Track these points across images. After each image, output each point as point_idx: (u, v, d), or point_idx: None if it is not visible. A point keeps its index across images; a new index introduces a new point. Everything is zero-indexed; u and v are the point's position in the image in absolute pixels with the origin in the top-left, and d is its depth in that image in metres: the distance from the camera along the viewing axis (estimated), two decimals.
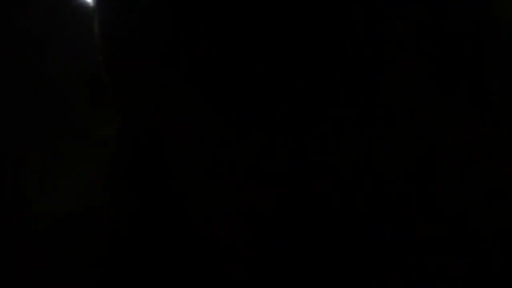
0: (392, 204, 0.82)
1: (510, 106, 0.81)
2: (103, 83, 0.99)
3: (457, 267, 0.81)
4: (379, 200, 0.83)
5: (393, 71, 0.81)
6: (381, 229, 0.82)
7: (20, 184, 1.12)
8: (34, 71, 1.20)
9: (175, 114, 0.89)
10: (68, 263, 1.00)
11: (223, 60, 0.84)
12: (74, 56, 1.15)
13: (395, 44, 0.81)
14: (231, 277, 0.86)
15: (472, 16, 0.79)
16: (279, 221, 0.84)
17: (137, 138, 0.94)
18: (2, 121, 1.21)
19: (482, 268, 0.80)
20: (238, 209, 0.85)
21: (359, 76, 0.82)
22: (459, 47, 0.80)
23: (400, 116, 0.82)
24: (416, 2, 0.79)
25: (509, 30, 0.80)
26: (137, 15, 0.90)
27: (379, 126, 0.82)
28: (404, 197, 0.82)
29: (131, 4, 0.90)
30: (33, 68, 1.20)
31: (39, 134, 1.16)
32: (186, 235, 0.89)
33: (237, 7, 0.82)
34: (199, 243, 0.88)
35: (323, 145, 0.83)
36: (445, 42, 0.80)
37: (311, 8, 0.80)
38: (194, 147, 0.88)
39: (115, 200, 0.96)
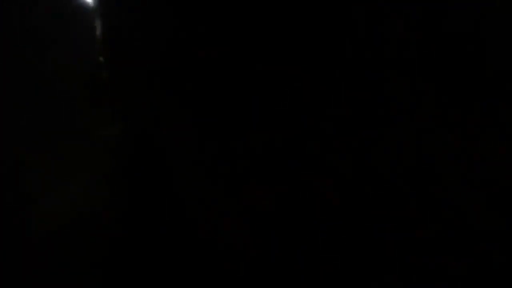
0: (392, 204, 0.82)
1: (509, 105, 0.81)
2: (103, 83, 0.99)
3: (457, 267, 0.80)
4: (379, 199, 0.82)
5: (393, 71, 0.81)
6: (381, 229, 0.82)
7: (20, 184, 1.11)
8: (34, 71, 1.20)
9: (175, 114, 0.88)
10: (69, 263, 1.00)
11: (223, 60, 0.84)
12: (74, 56, 1.15)
13: (395, 44, 0.81)
14: (231, 276, 0.86)
15: (471, 16, 0.79)
16: (279, 221, 0.84)
17: (137, 138, 0.94)
18: (2, 121, 1.21)
19: (481, 268, 0.80)
20: (238, 209, 0.85)
21: (359, 76, 0.82)
22: (458, 47, 0.80)
23: (400, 116, 0.82)
24: (416, 3, 0.79)
25: (509, 30, 0.80)
26: (137, 16, 0.90)
27: (379, 126, 0.82)
28: (404, 197, 0.82)
29: (132, 6, 0.90)
30: (33, 68, 1.20)
31: (39, 134, 1.16)
32: (186, 234, 0.89)
33: (237, 8, 0.82)
34: (199, 242, 0.88)
35: (323, 145, 0.83)
36: (444, 42, 0.80)
37: (311, 8, 0.80)
38: (193, 147, 0.88)
39: (115, 200, 0.96)
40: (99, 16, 0.95)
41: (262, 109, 0.84)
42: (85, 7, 1.16)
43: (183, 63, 0.88)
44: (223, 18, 0.84)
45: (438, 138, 0.82)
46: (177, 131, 0.88)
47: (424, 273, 0.82)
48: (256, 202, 0.85)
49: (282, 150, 0.84)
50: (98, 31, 0.99)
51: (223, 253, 0.87)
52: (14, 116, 1.19)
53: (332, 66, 0.82)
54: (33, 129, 1.18)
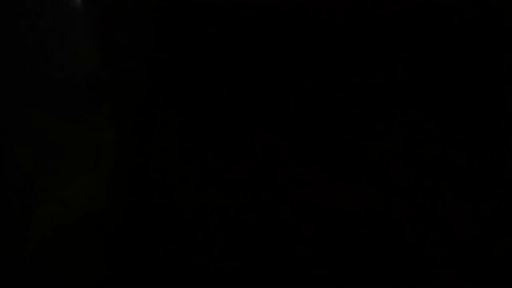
0: (392, 204, 0.82)
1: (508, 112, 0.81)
2: (103, 84, 0.99)
3: (455, 270, 0.81)
4: (379, 200, 0.83)
5: (390, 72, 0.81)
6: (381, 229, 0.82)
7: (19, 184, 1.12)
8: (34, 72, 1.20)
9: (173, 115, 0.89)
10: (69, 266, 1.00)
11: (218, 61, 0.84)
12: (74, 56, 1.15)
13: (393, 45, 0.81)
14: (224, 280, 0.86)
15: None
16: (277, 225, 0.84)
17: (134, 139, 0.94)
18: (2, 122, 1.21)
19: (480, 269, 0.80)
20: (234, 214, 0.85)
21: (357, 78, 0.82)
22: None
23: (399, 118, 0.82)
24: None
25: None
26: (138, 18, 0.90)
27: (378, 129, 0.82)
28: (404, 198, 0.82)
29: (132, 8, 0.91)
30: (34, 69, 1.20)
31: (38, 134, 1.16)
32: (182, 238, 0.89)
33: (236, 15, 0.82)
34: (196, 246, 0.88)
35: (320, 152, 0.83)
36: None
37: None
38: (191, 150, 0.88)
39: (114, 203, 0.96)
40: (99, 16, 0.95)
41: (257, 114, 0.85)
42: (85, 7, 1.16)
43: (177, 66, 0.88)
44: (220, 20, 0.84)
45: (438, 141, 0.82)
46: (175, 132, 0.89)
47: (423, 273, 0.82)
48: (252, 207, 0.85)
49: (279, 157, 0.84)
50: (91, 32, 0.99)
51: (217, 255, 0.87)
52: (13, 116, 1.20)
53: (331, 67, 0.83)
54: (33, 129, 1.19)
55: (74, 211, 1.04)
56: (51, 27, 1.21)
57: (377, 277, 0.82)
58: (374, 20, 0.80)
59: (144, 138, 0.92)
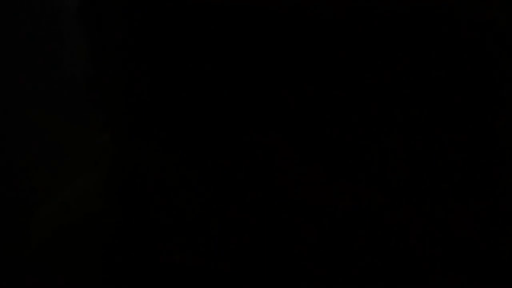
0: (392, 204, 0.82)
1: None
2: (103, 85, 0.99)
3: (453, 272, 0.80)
4: (379, 201, 0.82)
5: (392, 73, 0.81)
6: (381, 230, 0.82)
7: (18, 184, 1.12)
8: (34, 72, 1.21)
9: (171, 117, 0.89)
10: (68, 266, 1.00)
11: (217, 63, 0.84)
12: (74, 57, 1.15)
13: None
14: (224, 280, 0.86)
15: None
16: (277, 225, 0.84)
17: (132, 141, 0.94)
18: (2, 122, 1.21)
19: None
20: (234, 210, 0.85)
21: (358, 80, 0.82)
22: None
23: (398, 119, 0.82)
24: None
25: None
26: (138, 18, 0.90)
27: (378, 133, 0.82)
28: (404, 198, 0.82)
29: (131, 9, 0.91)
30: (33, 69, 1.21)
31: (38, 134, 1.16)
32: (182, 239, 0.89)
33: (237, 19, 0.82)
34: (195, 246, 0.88)
35: (320, 152, 0.83)
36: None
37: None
38: (191, 150, 0.88)
39: (111, 204, 0.96)
40: (98, 18, 0.95)
41: (256, 116, 0.85)
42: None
43: (181, 67, 0.88)
44: (221, 22, 0.84)
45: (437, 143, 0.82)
46: (173, 134, 0.89)
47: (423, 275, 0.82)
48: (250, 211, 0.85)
49: (280, 157, 0.84)
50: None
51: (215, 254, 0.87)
52: (13, 116, 1.20)
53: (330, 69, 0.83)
54: (32, 129, 1.19)
55: (73, 211, 1.04)
56: (51, 28, 1.21)
57: (377, 277, 0.82)
58: (373, 20, 0.80)
59: (144, 138, 0.92)
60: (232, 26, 0.83)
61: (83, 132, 1.10)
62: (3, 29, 1.27)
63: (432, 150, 0.81)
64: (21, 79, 1.24)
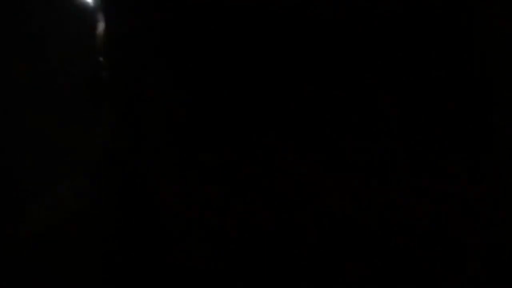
0: (392, 205, 0.82)
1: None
2: (103, 83, 0.99)
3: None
4: (378, 202, 0.82)
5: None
6: (380, 231, 0.82)
7: (17, 184, 1.11)
8: (32, 72, 1.20)
9: (172, 115, 0.88)
10: (61, 263, 1.00)
11: (226, 63, 0.84)
12: (74, 56, 1.15)
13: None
14: (224, 281, 0.86)
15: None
16: (277, 225, 0.84)
17: (132, 139, 0.94)
18: (1, 122, 1.21)
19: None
20: (233, 210, 0.84)
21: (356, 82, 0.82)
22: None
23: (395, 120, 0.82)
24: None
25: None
26: (139, 18, 0.90)
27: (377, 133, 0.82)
28: (403, 200, 0.82)
29: (133, 8, 0.90)
30: (32, 69, 1.20)
31: (37, 134, 1.16)
32: (178, 239, 0.89)
33: (240, 17, 0.82)
34: (191, 247, 0.88)
35: (321, 151, 0.83)
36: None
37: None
38: (188, 151, 0.87)
39: (108, 201, 0.95)
40: (100, 16, 0.95)
41: (257, 113, 0.84)
42: (85, 7, 1.16)
43: (184, 64, 0.88)
44: (224, 23, 0.84)
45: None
46: (173, 135, 0.88)
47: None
48: (250, 213, 0.85)
49: (280, 157, 0.84)
50: (99, 31, 0.99)
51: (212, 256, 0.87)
52: (12, 116, 1.19)
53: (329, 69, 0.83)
54: (31, 129, 1.18)
55: (66, 210, 1.04)
56: (52, 27, 1.21)
57: (378, 278, 0.82)
58: (372, 20, 0.80)
59: (144, 138, 0.92)
60: (237, 26, 0.83)
61: (79, 130, 1.10)
62: (3, 29, 1.26)
63: (432, 149, 0.81)
64: (18, 77, 1.23)
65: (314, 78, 0.84)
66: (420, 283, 0.81)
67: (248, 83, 0.85)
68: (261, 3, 0.83)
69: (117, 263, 0.93)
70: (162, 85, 0.89)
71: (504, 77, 0.80)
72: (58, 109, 1.15)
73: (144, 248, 0.91)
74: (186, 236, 0.88)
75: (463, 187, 0.80)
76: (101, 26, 0.97)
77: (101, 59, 0.99)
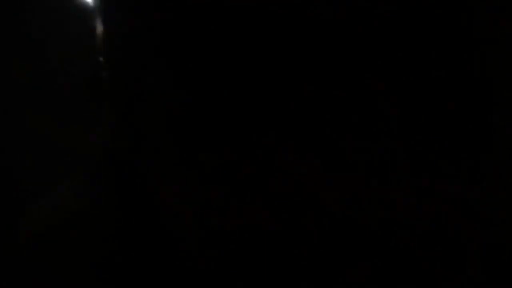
0: (390, 206, 0.82)
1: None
2: (103, 83, 0.99)
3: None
4: (378, 202, 0.82)
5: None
6: (378, 231, 0.82)
7: (16, 183, 1.11)
8: (32, 71, 1.20)
9: (172, 116, 0.88)
10: (61, 263, 1.00)
11: (222, 63, 0.84)
12: (74, 56, 1.15)
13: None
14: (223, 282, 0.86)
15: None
16: (277, 225, 0.84)
17: (131, 139, 0.94)
18: (1, 122, 1.21)
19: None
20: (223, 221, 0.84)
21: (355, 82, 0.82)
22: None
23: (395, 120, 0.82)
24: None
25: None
26: (138, 18, 0.90)
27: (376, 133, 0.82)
28: (403, 200, 0.82)
29: (132, 8, 0.91)
30: (32, 68, 1.20)
31: (37, 134, 1.16)
32: (176, 239, 0.89)
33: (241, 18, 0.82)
34: (190, 248, 0.88)
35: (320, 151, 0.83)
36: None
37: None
38: (188, 152, 0.88)
39: (107, 201, 0.95)
40: (100, 17, 0.95)
41: (262, 125, 0.84)
42: (85, 7, 1.16)
43: (184, 65, 0.88)
44: (224, 24, 0.84)
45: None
46: (173, 135, 0.88)
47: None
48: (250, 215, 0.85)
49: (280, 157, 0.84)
50: (99, 31, 0.99)
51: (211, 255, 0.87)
52: (11, 116, 1.20)
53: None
54: (31, 129, 1.18)
55: (66, 211, 1.04)
56: (52, 27, 1.21)
57: (378, 278, 0.82)
58: (372, 20, 0.80)
59: (144, 138, 0.92)
60: (236, 26, 0.83)
61: (79, 130, 1.10)
62: (3, 29, 1.26)
63: (433, 149, 0.81)
64: (18, 77, 1.23)
65: (314, 78, 0.84)
66: (420, 283, 0.81)
67: (248, 83, 0.85)
68: (261, 3, 0.83)
69: (117, 263, 0.93)
70: (162, 85, 0.89)
71: (504, 77, 0.80)
72: (58, 109, 1.15)
73: (144, 248, 0.91)
74: (186, 236, 0.89)
75: (463, 187, 0.80)
76: (101, 26, 0.97)
77: (101, 59, 1.00)
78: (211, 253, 0.87)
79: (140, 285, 0.92)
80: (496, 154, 0.81)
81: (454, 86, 0.80)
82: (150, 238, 0.92)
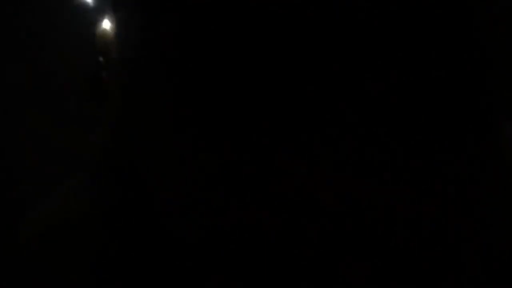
0: (387, 206, 0.82)
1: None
2: (104, 84, 0.99)
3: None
4: (378, 202, 0.82)
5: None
6: (377, 231, 0.82)
7: (16, 183, 1.11)
8: (33, 72, 1.20)
9: (172, 119, 0.88)
10: (61, 263, 1.00)
11: (222, 63, 0.84)
12: (74, 56, 1.15)
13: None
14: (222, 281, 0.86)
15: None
16: (269, 232, 0.84)
17: (131, 140, 0.94)
18: (1, 122, 1.21)
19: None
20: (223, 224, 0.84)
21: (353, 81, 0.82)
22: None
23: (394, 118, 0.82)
24: None
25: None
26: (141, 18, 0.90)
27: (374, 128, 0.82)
28: (401, 200, 0.82)
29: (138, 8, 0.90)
30: (33, 69, 1.20)
31: (37, 133, 1.16)
32: (176, 240, 0.89)
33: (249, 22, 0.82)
34: (189, 248, 0.88)
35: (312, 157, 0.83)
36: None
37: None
38: (187, 153, 0.88)
39: (103, 201, 0.95)
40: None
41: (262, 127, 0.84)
42: (85, 7, 1.15)
43: (187, 68, 0.88)
44: (232, 26, 0.84)
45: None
46: (173, 137, 0.88)
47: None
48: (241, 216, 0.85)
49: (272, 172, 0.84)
50: (99, 31, 0.99)
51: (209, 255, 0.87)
52: (11, 116, 1.19)
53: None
54: (31, 129, 1.18)
55: (66, 211, 1.04)
56: (49, 26, 1.21)
57: (378, 278, 0.82)
58: (372, 20, 0.80)
59: (141, 138, 0.92)
60: (236, 27, 0.83)
61: (79, 130, 1.10)
62: (3, 29, 1.26)
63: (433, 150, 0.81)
64: (18, 77, 1.23)
65: (315, 78, 0.84)
66: (420, 283, 0.81)
67: (248, 83, 0.85)
68: (260, 5, 0.83)
69: (117, 263, 0.93)
70: (162, 85, 0.89)
71: (504, 77, 0.80)
72: (58, 109, 1.14)
73: (144, 248, 0.91)
74: (186, 236, 0.89)
75: (463, 187, 0.80)
76: (101, 26, 0.97)
77: (101, 59, 1.00)
78: (211, 253, 0.87)
79: (140, 285, 0.92)
80: (496, 154, 0.81)
81: (454, 86, 0.80)
82: (150, 238, 0.92)
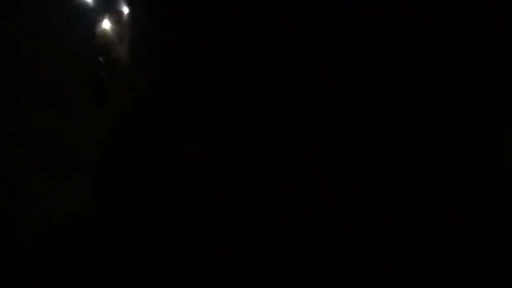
0: (384, 205, 0.82)
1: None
2: (104, 84, 0.99)
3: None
4: (377, 202, 0.82)
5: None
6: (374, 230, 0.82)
7: (16, 183, 1.11)
8: (34, 72, 1.20)
9: (172, 119, 0.88)
10: (61, 263, 1.00)
11: (222, 64, 0.84)
12: (74, 56, 1.15)
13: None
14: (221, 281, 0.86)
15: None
16: (265, 232, 0.84)
17: (131, 139, 0.94)
18: (1, 122, 1.21)
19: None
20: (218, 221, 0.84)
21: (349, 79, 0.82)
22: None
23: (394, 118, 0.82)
24: None
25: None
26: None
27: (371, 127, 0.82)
28: (397, 200, 0.82)
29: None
30: (33, 69, 1.20)
31: (37, 134, 1.15)
32: (175, 239, 0.88)
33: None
34: (188, 247, 0.88)
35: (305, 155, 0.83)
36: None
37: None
38: (187, 152, 0.88)
39: (103, 201, 0.95)
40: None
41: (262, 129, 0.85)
42: (85, 7, 1.15)
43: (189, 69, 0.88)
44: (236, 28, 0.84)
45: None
46: (173, 135, 0.88)
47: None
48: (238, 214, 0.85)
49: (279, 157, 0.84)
50: (99, 31, 0.99)
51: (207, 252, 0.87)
52: (11, 116, 1.19)
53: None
54: (31, 129, 1.18)
55: (66, 211, 1.04)
56: (49, 26, 1.21)
57: (378, 278, 0.82)
58: (372, 20, 0.80)
59: (141, 138, 0.92)
60: (236, 28, 0.83)
61: (79, 130, 1.10)
62: (3, 29, 1.26)
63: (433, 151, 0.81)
64: (18, 77, 1.23)
65: (315, 78, 0.84)
66: (420, 283, 0.81)
67: (248, 84, 0.86)
68: (260, 10, 0.83)
69: (117, 262, 0.93)
70: (162, 86, 0.89)
71: (504, 77, 0.80)
72: (58, 109, 1.14)
73: (144, 247, 0.91)
74: (186, 236, 0.88)
75: (463, 187, 0.80)
76: (100, 26, 0.97)
77: (101, 59, 0.99)
78: (211, 253, 0.87)
79: (140, 285, 0.92)
80: (496, 154, 0.81)
81: (454, 86, 0.80)
82: (149, 237, 0.92)
